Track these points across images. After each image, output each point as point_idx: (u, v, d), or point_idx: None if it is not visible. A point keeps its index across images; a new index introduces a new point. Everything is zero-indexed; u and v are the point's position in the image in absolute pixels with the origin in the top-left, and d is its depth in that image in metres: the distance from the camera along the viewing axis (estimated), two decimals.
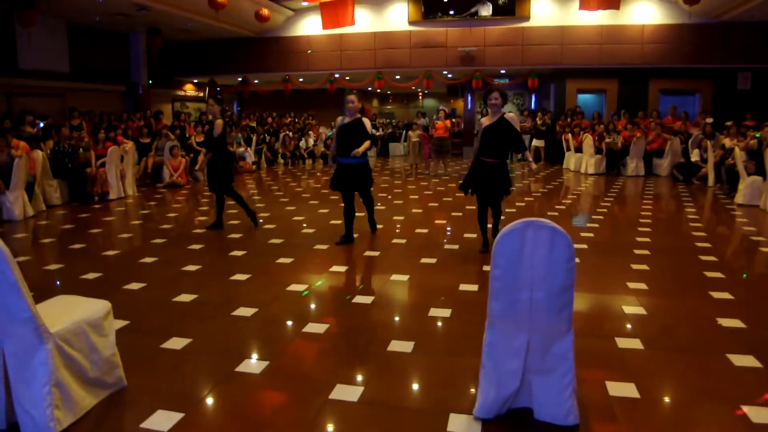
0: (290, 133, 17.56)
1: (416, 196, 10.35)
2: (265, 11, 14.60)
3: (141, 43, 16.20)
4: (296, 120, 20.05)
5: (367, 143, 6.18)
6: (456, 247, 6.33)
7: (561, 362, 2.65)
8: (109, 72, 15.96)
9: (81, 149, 10.06)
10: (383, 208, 9.01)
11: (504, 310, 2.62)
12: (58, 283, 5.24)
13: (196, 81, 20.33)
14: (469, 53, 16.41)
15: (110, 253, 6.33)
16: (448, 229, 7.52)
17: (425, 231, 7.33)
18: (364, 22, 16.89)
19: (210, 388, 3.12)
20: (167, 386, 3.12)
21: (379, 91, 24.38)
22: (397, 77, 19.44)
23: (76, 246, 6.63)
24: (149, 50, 16.16)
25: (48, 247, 6.84)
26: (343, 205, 6.57)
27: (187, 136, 13.75)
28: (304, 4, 16.28)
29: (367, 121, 6.31)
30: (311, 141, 18.13)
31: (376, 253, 6.12)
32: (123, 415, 2.85)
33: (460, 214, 8.45)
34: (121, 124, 12.94)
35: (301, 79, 19.32)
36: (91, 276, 5.36)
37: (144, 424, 2.73)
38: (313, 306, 4.57)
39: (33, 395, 2.58)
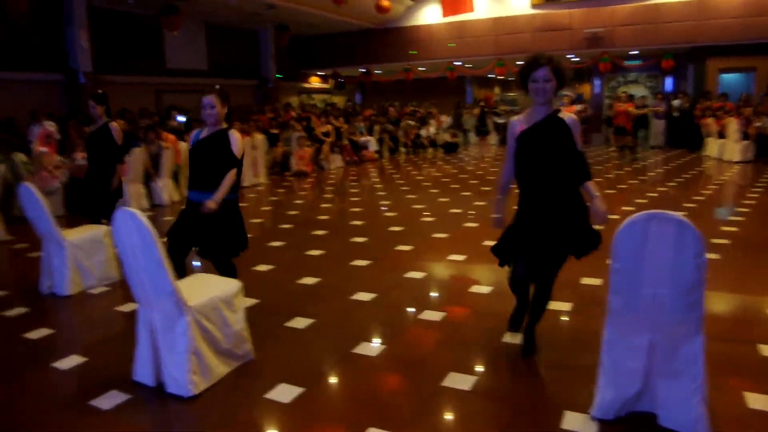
0: (411, 122, 17.72)
1: None
2: (385, 2, 14.81)
3: (270, 39, 17.13)
4: (417, 109, 20.20)
5: (230, 176, 3.68)
6: None
7: (689, 366, 2.46)
8: (241, 68, 17.06)
9: None
10: None
11: (624, 305, 2.49)
12: (197, 264, 5.73)
13: (321, 73, 21.12)
14: (596, 35, 15.55)
15: None
16: None
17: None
18: (483, 7, 16.60)
19: (329, 367, 3.28)
20: (290, 362, 3.32)
21: (501, 77, 23.86)
22: (520, 62, 18.90)
23: None
24: (277, 46, 17.05)
25: None
26: None
27: (312, 127, 14.33)
28: None
29: (236, 136, 3.78)
30: (432, 129, 18.16)
31: None
32: (250, 385, 3.08)
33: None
34: (253, 117, 13.77)
35: (422, 68, 19.42)
36: None
37: (268, 395, 2.94)
38: (430, 293, 4.61)
39: (175, 360, 2.89)
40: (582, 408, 2.70)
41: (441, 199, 8.83)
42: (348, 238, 6.43)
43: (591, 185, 3.01)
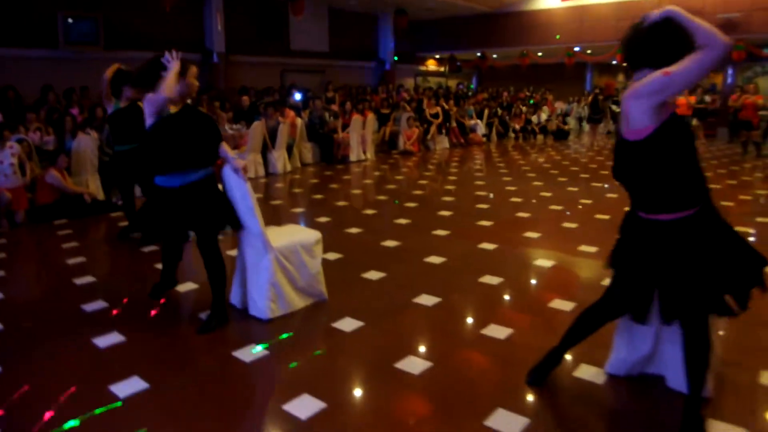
0: (523, 108, 17.66)
1: None
2: None
3: (389, 23, 17.81)
4: (532, 94, 20.03)
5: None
6: None
7: None
8: (360, 50, 17.92)
9: (331, 117, 11.72)
10: (616, 196, 8.86)
11: None
12: (302, 223, 6.51)
13: (437, 56, 21.50)
14: (731, 20, 14.56)
15: (341, 203, 7.53)
16: None
17: None
18: None
19: (389, 310, 3.84)
20: (358, 303, 3.93)
21: (625, 65, 22.92)
22: None
23: (317, 196, 8.01)
24: (396, 29, 17.69)
25: (298, 195, 8.36)
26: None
27: (423, 108, 14.85)
28: None
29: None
30: (544, 116, 18.00)
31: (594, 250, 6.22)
32: (320, 316, 3.73)
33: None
34: (367, 97, 14.55)
35: (540, 54, 19.20)
36: (323, 219, 6.54)
37: (334, 324, 3.57)
38: (496, 262, 4.98)
39: (258, 289, 3.60)
40: (599, 364, 3.02)
41: (535, 183, 9.02)
42: (435, 212, 6.91)
43: None
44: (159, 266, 4.77)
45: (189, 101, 3.51)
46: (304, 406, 2.65)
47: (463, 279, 4.52)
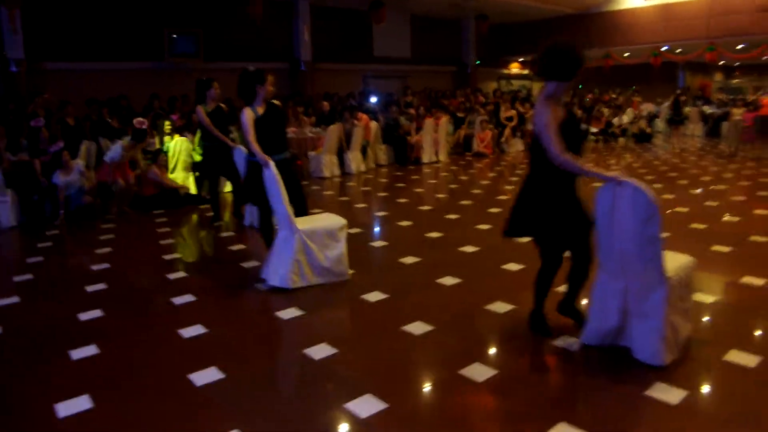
0: (605, 110, 17.44)
1: (727, 184, 9.71)
2: None
3: (470, 27, 18.27)
4: (617, 96, 19.69)
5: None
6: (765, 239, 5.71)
7: (654, 310, 3.09)
8: (442, 55, 18.50)
9: (406, 121, 12.42)
10: (672, 197, 8.92)
11: (604, 255, 3.24)
12: (375, 220, 7.24)
13: (521, 59, 21.64)
14: None
15: (402, 200, 8.20)
16: None
17: (735, 219, 6.63)
18: None
19: (415, 287, 4.47)
20: (388, 281, 4.58)
21: (722, 63, 21.93)
22: (742, 46, 17.37)
23: (383, 194, 8.74)
24: (477, 34, 18.12)
25: (366, 193, 9.12)
26: None
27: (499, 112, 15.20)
28: None
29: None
30: (626, 118, 17.68)
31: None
32: (346, 289, 4.44)
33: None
34: (445, 101, 15.13)
35: (625, 54, 18.91)
36: (381, 213, 7.24)
37: (363, 296, 4.26)
38: (525, 248, 5.40)
39: (283, 262, 4.34)
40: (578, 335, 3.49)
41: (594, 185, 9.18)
42: (487, 209, 7.39)
43: None
44: (232, 248, 5.70)
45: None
46: (321, 351, 3.36)
47: (485, 263, 4.99)
